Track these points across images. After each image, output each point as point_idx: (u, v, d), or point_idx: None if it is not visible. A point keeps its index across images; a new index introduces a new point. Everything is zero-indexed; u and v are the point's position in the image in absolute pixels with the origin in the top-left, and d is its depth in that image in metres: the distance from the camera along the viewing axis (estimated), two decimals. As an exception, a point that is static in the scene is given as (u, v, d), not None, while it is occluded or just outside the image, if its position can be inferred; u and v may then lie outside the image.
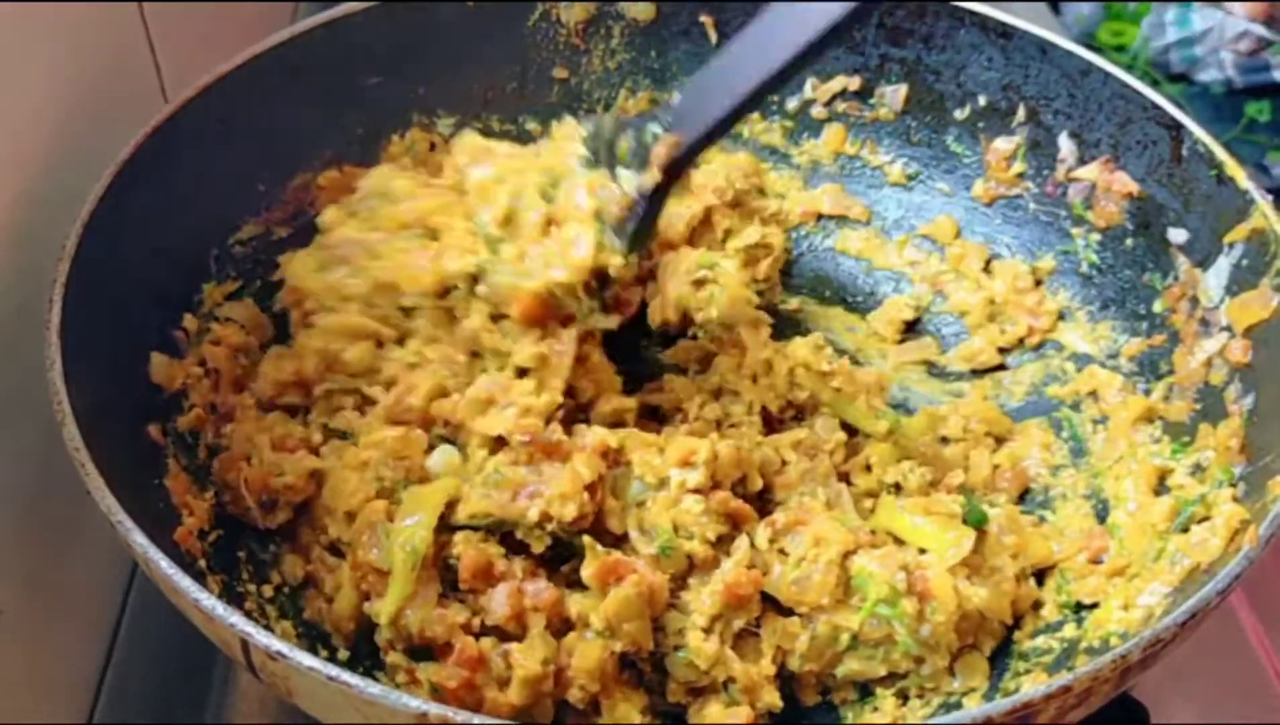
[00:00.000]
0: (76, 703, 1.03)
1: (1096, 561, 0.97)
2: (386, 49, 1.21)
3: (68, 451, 0.82)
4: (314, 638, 0.95)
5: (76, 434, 0.82)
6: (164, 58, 1.15)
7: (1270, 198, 1.00)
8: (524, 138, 1.28)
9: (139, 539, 0.78)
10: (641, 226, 0.98)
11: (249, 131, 1.12)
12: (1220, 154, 1.04)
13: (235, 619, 0.74)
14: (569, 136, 1.03)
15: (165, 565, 0.77)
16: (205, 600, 0.75)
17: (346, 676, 0.71)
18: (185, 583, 0.76)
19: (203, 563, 0.92)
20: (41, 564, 0.98)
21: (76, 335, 0.88)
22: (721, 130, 0.94)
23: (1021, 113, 1.20)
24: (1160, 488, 1.00)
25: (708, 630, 0.89)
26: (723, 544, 0.93)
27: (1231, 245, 1.02)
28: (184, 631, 0.83)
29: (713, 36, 1.28)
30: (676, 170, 0.96)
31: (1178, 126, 1.08)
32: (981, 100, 1.22)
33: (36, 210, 0.96)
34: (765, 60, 0.89)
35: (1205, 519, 0.91)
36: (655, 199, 0.97)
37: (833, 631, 0.90)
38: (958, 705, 0.91)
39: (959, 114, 1.23)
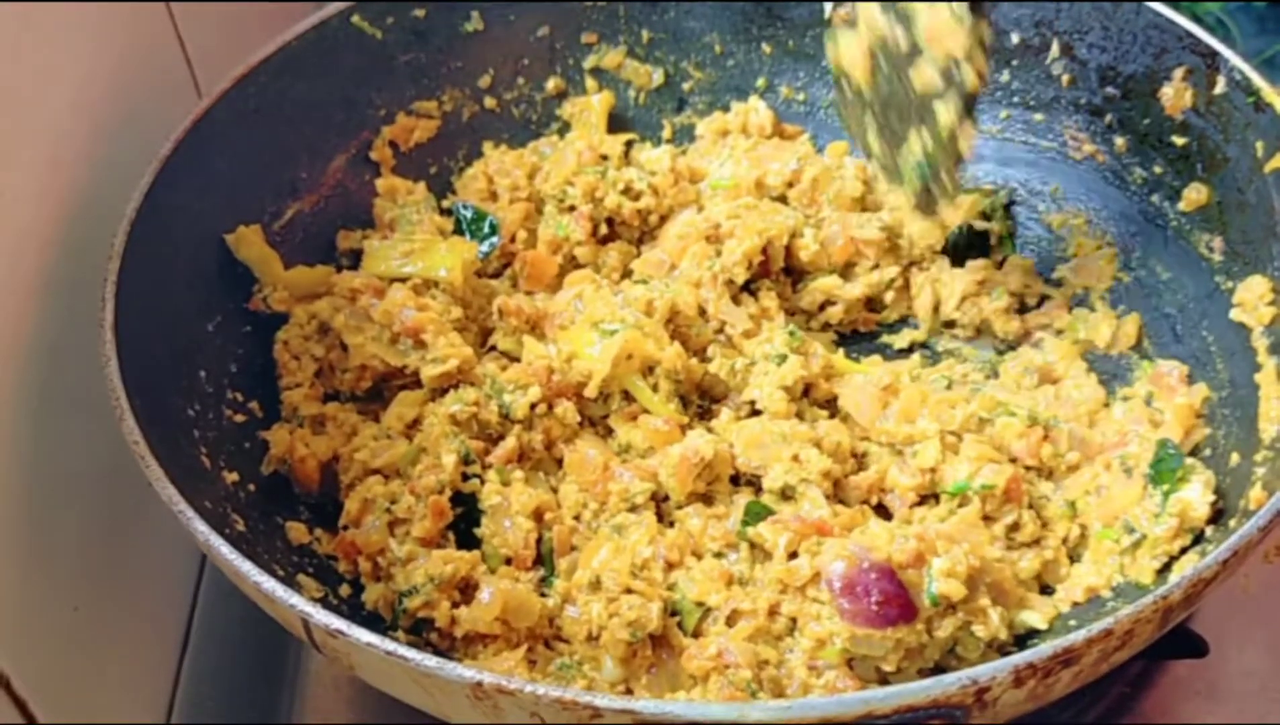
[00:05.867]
0: (154, 702, 1.06)
1: None
2: (416, 24, 1.22)
3: (127, 445, 0.85)
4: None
5: (135, 428, 0.85)
6: (194, 52, 1.17)
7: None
8: (550, 105, 1.30)
9: (200, 527, 0.81)
10: None
11: (284, 118, 1.14)
12: (1257, 81, 1.02)
13: (295, 599, 0.77)
14: None
15: (227, 551, 0.80)
16: (266, 583, 0.78)
17: (403, 650, 0.73)
18: (246, 567, 0.79)
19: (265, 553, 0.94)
20: (111, 561, 1.01)
21: (131, 331, 0.91)
22: None
23: (1055, 48, 1.18)
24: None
25: None
26: None
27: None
28: (252, 628, 0.85)
29: None
30: None
31: (1213, 54, 1.06)
32: (1014, 38, 1.20)
33: (84, 211, 0.98)
34: None
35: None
36: None
37: None
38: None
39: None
